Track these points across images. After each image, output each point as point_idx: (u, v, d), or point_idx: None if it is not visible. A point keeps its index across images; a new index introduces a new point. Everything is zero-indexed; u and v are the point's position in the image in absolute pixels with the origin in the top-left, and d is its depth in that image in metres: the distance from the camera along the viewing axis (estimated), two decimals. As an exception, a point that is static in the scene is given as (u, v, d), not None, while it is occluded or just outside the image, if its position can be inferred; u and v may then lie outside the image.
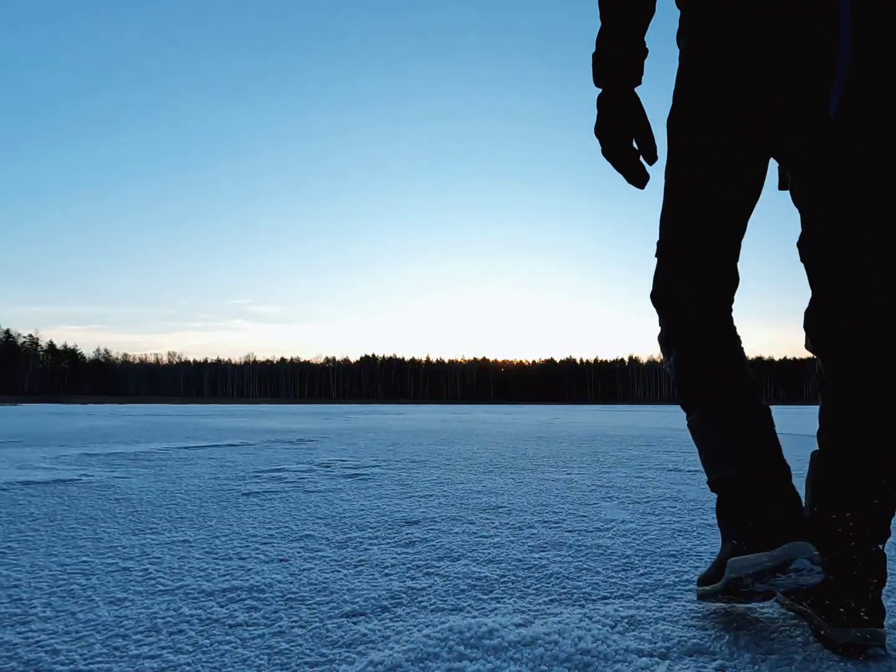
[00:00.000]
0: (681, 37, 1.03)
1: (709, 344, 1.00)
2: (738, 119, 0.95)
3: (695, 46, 0.98)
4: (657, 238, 1.08)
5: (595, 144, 1.04)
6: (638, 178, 1.04)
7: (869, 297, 0.93)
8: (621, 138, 1.02)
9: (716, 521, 1.02)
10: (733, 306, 1.04)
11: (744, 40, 0.92)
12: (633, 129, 1.03)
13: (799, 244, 1.02)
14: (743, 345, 1.04)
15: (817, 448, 0.99)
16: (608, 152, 1.04)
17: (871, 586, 0.88)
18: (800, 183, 0.98)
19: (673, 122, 1.02)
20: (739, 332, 1.03)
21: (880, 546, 0.91)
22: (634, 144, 1.04)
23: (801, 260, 1.03)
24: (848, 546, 0.89)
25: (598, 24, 1.02)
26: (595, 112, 1.04)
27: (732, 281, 1.02)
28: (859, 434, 0.92)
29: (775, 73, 0.91)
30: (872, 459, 0.91)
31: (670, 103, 1.02)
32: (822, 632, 0.90)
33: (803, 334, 1.04)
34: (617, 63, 1.01)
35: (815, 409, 1.08)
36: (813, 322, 1.00)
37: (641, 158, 1.04)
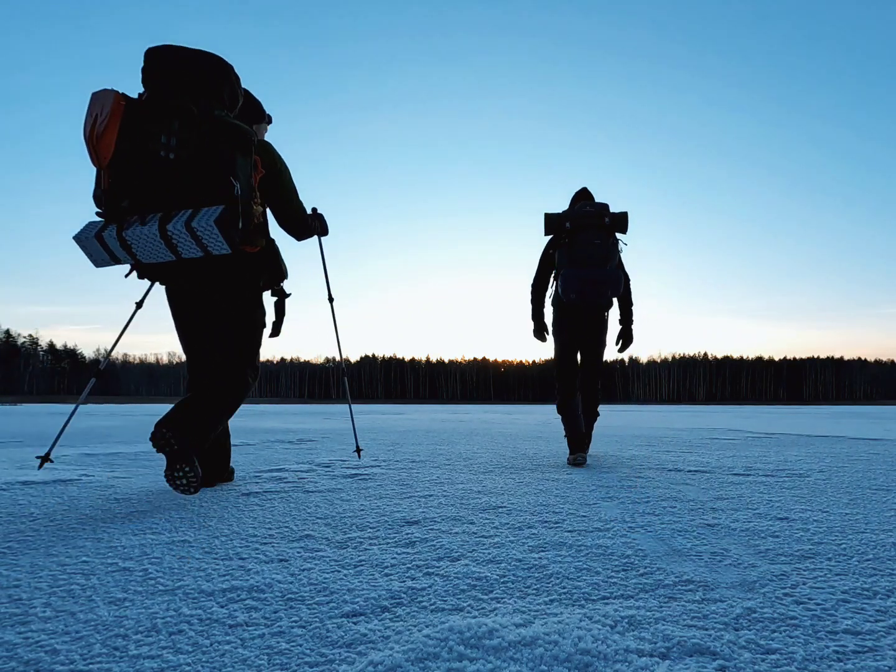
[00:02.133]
0: (554, 303, 3.68)
1: (568, 402, 3.59)
2: (567, 336, 3.61)
3: (556, 322, 3.63)
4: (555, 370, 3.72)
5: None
6: (544, 341, 3.78)
7: (586, 374, 3.67)
8: (540, 336, 3.77)
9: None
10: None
11: (562, 322, 3.60)
12: (544, 331, 3.77)
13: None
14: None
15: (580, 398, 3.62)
16: (537, 338, 3.78)
17: (585, 440, 3.47)
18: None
19: (553, 332, 3.69)
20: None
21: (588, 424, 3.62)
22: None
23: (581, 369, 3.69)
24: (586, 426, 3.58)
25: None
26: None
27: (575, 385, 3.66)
28: (585, 396, 3.66)
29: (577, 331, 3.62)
30: (587, 404, 3.65)
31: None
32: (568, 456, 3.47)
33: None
34: (538, 317, 3.73)
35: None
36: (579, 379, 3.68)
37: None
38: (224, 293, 2.32)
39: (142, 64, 2.10)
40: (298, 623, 1.01)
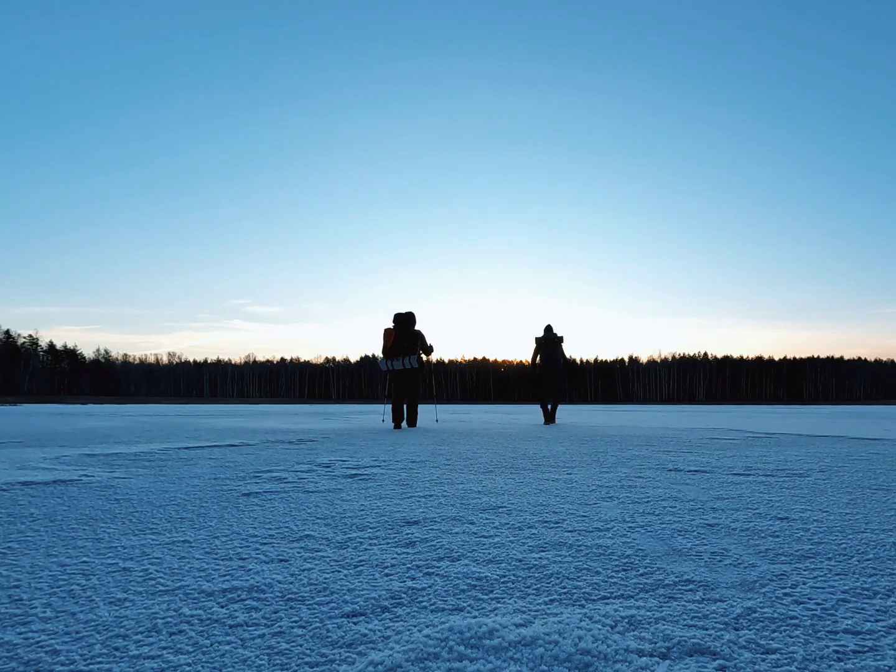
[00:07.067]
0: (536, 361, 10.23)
1: (544, 403, 10.02)
2: (542, 376, 10.07)
3: (541, 368, 10.00)
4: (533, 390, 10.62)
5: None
6: (535, 377, 10.46)
7: (553, 389, 10.00)
8: (533, 373, 10.49)
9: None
10: None
11: (542, 373, 9.98)
12: (535, 374, 10.68)
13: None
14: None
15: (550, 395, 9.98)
16: (531, 375, 10.34)
17: (551, 416, 9.82)
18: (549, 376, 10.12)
19: (538, 375, 10.04)
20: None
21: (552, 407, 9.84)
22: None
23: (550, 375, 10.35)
24: (552, 412, 9.91)
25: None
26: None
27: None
28: (553, 397, 9.96)
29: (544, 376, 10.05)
30: (555, 400, 9.94)
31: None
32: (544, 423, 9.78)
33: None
34: (534, 370, 10.22)
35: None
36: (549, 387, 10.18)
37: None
38: (418, 374, 8.30)
39: (392, 317, 8.32)
40: (298, 623, 1.01)
